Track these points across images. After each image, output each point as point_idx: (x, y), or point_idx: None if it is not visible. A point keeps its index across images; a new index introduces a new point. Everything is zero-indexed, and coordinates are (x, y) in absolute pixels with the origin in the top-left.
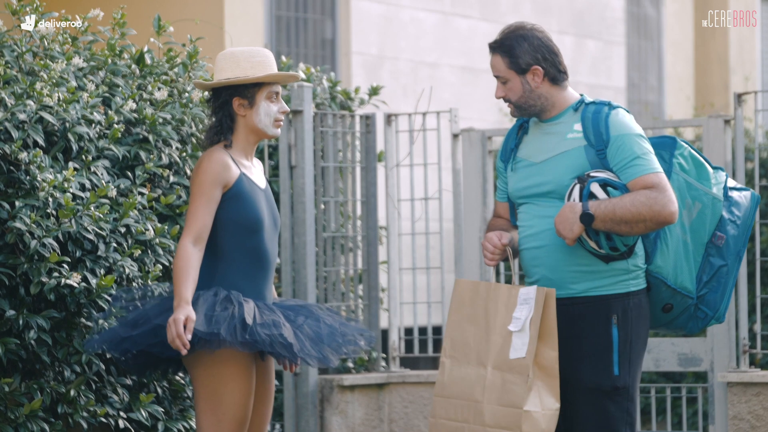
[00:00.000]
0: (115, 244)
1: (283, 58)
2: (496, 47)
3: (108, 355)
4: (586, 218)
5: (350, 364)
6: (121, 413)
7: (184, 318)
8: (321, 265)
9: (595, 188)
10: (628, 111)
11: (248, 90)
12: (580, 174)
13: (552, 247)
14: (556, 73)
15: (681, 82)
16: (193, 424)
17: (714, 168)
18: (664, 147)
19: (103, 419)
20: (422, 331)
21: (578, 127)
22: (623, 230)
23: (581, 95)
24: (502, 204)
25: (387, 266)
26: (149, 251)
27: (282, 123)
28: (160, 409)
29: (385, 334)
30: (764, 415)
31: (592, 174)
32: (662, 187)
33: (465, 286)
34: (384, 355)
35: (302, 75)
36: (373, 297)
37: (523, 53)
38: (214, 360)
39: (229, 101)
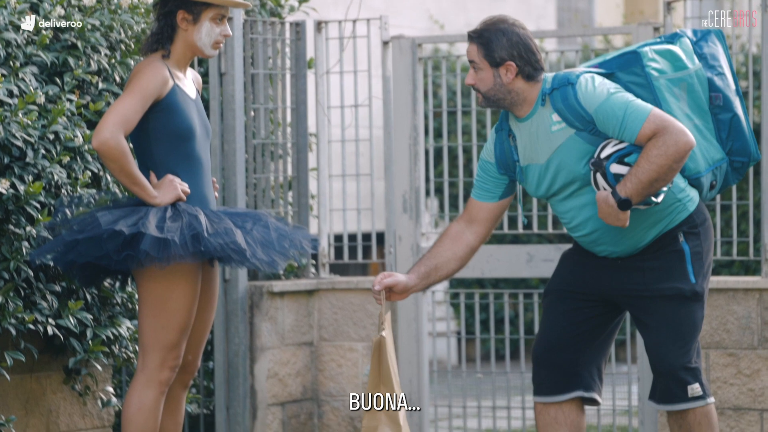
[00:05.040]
0: (43, 151)
1: None
2: (474, 37)
3: (37, 262)
4: (624, 204)
5: (279, 271)
6: (50, 320)
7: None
8: (251, 171)
9: (615, 168)
10: (588, 71)
11: (195, 7)
12: (589, 158)
13: (603, 229)
14: (531, 71)
15: None
16: (122, 331)
17: (674, 42)
18: (633, 63)
19: (32, 326)
20: (352, 237)
21: (556, 117)
22: (660, 186)
23: (543, 81)
24: (478, 203)
25: (317, 173)
26: (78, 158)
27: (221, 46)
28: (89, 316)
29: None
30: None
31: (602, 156)
32: (662, 127)
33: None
34: (314, 262)
35: (249, 4)
36: (302, 204)
37: (499, 48)
38: (162, 269)
39: (174, 12)
